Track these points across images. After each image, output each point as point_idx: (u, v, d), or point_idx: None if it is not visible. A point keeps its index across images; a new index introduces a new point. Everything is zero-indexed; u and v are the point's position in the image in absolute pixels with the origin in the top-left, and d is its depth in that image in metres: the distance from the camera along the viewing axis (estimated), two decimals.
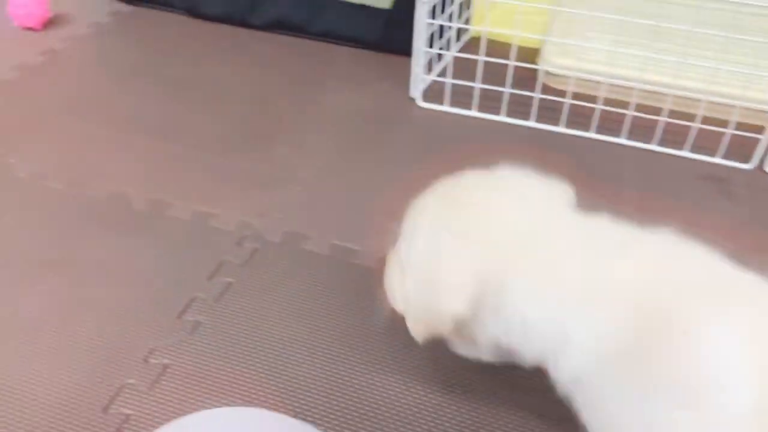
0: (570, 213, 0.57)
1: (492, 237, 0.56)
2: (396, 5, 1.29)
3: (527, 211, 0.57)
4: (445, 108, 1.20)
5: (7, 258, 0.87)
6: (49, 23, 1.40)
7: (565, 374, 0.53)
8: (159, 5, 1.49)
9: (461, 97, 1.19)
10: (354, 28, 1.34)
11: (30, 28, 1.38)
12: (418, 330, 0.61)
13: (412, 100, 1.22)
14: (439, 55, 1.25)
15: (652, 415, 0.46)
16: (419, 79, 1.20)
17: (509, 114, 1.17)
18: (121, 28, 1.43)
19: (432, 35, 1.19)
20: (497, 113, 1.17)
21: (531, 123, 1.16)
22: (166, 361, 0.75)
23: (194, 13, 1.45)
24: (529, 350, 0.56)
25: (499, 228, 0.56)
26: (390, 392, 0.72)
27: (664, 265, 0.51)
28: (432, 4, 1.13)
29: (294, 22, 1.38)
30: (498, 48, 1.15)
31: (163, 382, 0.73)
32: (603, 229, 0.56)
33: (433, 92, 1.22)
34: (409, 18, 1.23)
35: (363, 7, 1.31)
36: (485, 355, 0.61)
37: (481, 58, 1.13)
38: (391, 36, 1.32)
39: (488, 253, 0.55)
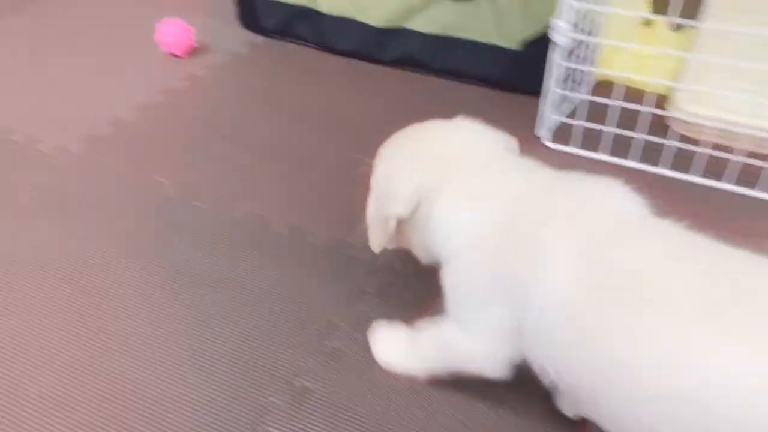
0: (498, 151, 0.74)
1: (432, 162, 0.72)
2: (526, 47, 1.30)
3: (465, 146, 0.74)
4: (573, 149, 1.20)
5: (158, 273, 0.94)
6: (192, 51, 1.50)
7: (447, 251, 0.71)
8: (291, 38, 1.57)
9: (589, 140, 1.19)
10: (481, 67, 1.37)
11: (175, 55, 1.48)
12: (374, 238, 0.76)
13: (539, 139, 1.23)
14: (566, 97, 1.25)
15: (501, 278, 0.65)
16: (548, 119, 1.21)
17: (640, 159, 1.15)
18: (256, 58, 1.51)
19: (562, 77, 1.20)
20: (626, 157, 1.16)
21: (662, 170, 1.14)
22: (308, 384, 0.78)
23: (324, 46, 1.52)
24: (441, 249, 0.71)
25: (440, 156, 0.73)
26: None
27: (538, 187, 0.68)
28: (565, 48, 1.13)
29: (421, 59, 1.42)
30: (628, 92, 1.14)
31: (307, 405, 0.76)
32: (516, 162, 0.73)
33: (561, 133, 1.22)
34: (538, 59, 1.24)
35: (491, 46, 1.34)
36: (419, 257, 0.77)
37: (614, 102, 1.12)
38: (519, 76, 1.34)
39: (427, 172, 0.72)
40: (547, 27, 1.25)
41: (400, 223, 0.73)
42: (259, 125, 1.27)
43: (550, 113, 1.20)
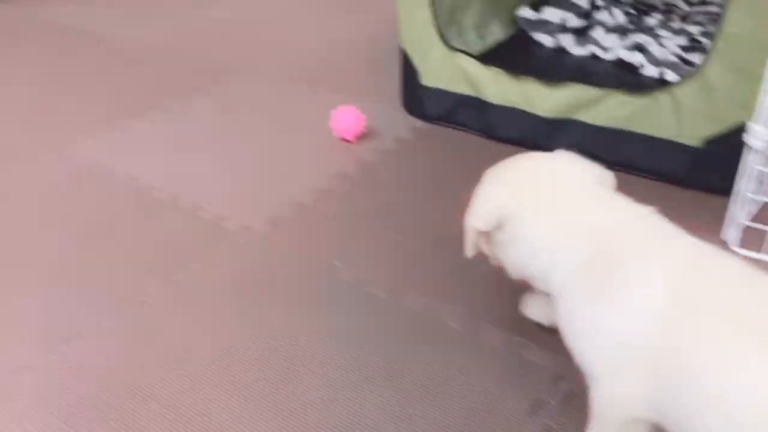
0: (587, 184, 0.80)
1: (521, 186, 0.81)
2: (707, 144, 1.25)
3: (558, 176, 0.81)
4: (765, 257, 1.12)
5: (337, 362, 0.96)
6: (361, 137, 1.57)
7: (553, 288, 0.77)
8: (455, 125, 1.61)
9: None
10: (657, 162, 1.32)
11: (346, 140, 1.56)
12: (466, 245, 0.86)
13: (724, 243, 1.16)
14: (758, 201, 1.18)
15: (592, 313, 0.71)
16: (736, 223, 1.14)
17: None
18: (421, 144, 1.56)
19: (755, 180, 1.13)
20: None
21: None
22: None
23: (489, 134, 1.54)
24: (532, 270, 0.79)
25: (530, 182, 0.81)
26: None
27: (625, 225, 0.74)
28: (762, 151, 1.07)
29: (592, 151, 1.40)
30: None
31: None
32: (602, 196, 0.79)
33: (749, 237, 1.15)
34: (720, 158, 1.19)
35: (669, 142, 1.30)
36: (510, 272, 0.85)
37: None
38: (699, 173, 1.28)
39: (514, 194, 0.80)
40: (732, 126, 1.20)
41: (492, 238, 0.84)
42: (429, 212, 1.30)
43: (739, 216, 1.13)
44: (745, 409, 0.58)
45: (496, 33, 1.85)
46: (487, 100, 1.52)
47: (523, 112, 1.47)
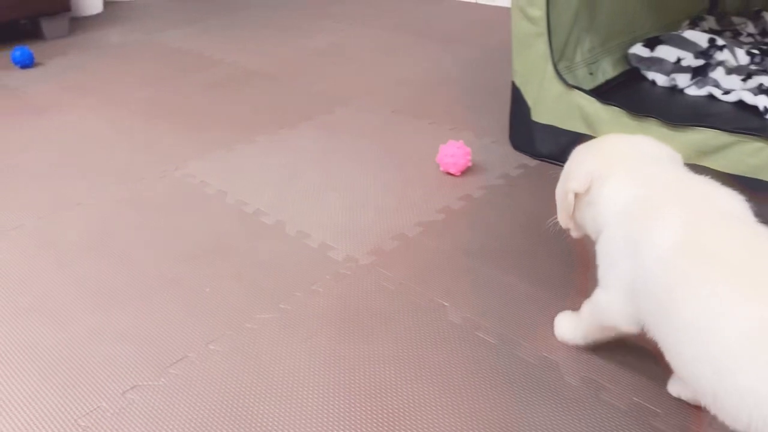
0: (662, 158, 0.93)
1: (606, 156, 0.94)
2: None
3: (636, 150, 0.94)
4: None
5: (443, 408, 0.91)
6: (467, 171, 1.54)
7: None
8: (563, 162, 1.55)
9: None
10: None
11: (451, 174, 1.53)
12: (560, 214, 0.98)
13: None
14: None
15: (620, 238, 0.86)
16: None
17: None
18: (530, 182, 1.50)
19: None
20: None
21: None
22: None
23: None
24: (602, 222, 0.91)
25: (613, 154, 0.94)
26: None
27: (677, 181, 0.88)
28: None
29: None
30: None
31: None
32: (672, 167, 0.92)
33: None
34: None
35: None
36: (580, 233, 0.99)
37: None
38: None
39: (600, 163, 0.92)
40: None
41: (578, 203, 0.94)
42: (539, 254, 1.24)
43: None
44: (715, 338, 0.71)
45: (607, 70, 1.78)
46: None
47: None
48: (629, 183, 0.89)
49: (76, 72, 2.38)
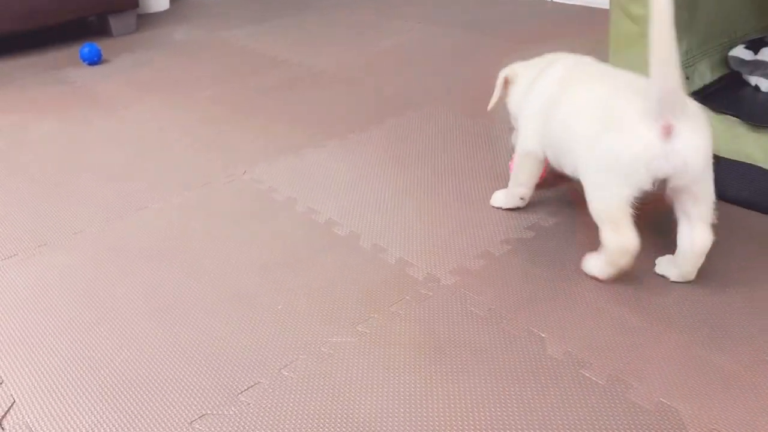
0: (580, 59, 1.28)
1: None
2: None
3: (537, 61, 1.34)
4: None
5: None
6: (551, 181, 1.41)
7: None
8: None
9: None
10: None
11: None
12: (492, 101, 1.37)
13: None
14: None
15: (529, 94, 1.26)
16: None
17: None
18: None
19: None
20: None
21: None
22: None
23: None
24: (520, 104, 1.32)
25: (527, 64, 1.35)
26: None
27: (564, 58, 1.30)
28: None
29: None
30: None
31: None
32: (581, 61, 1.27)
33: None
34: None
35: None
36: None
37: None
38: None
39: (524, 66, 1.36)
40: None
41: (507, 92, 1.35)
42: (648, 281, 1.11)
43: None
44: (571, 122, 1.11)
45: (705, 74, 1.63)
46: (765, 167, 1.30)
47: (763, 171, 1.24)
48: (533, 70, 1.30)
49: (143, 69, 2.34)
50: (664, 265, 1.12)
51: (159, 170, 1.60)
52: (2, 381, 0.98)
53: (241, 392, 0.93)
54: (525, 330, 1.02)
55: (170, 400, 0.93)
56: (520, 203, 1.33)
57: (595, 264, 1.12)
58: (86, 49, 2.37)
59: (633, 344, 0.98)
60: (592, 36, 2.27)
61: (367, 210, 1.38)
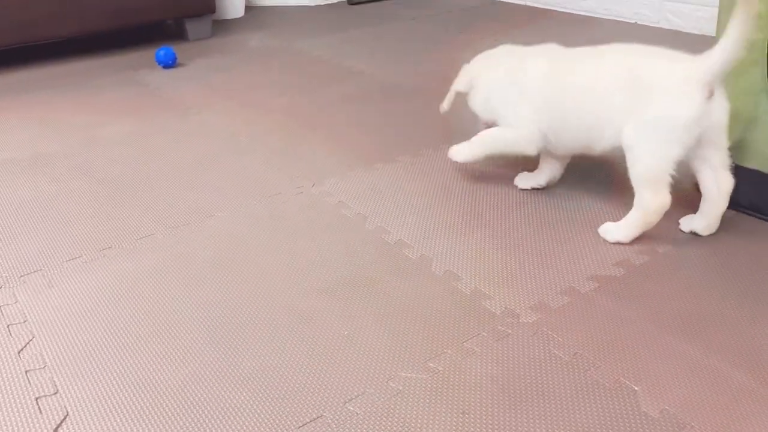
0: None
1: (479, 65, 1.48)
2: None
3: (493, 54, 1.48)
4: None
5: None
6: None
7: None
8: (755, 213, 1.28)
9: None
10: None
11: None
12: (445, 103, 1.53)
13: None
14: None
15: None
16: None
17: None
18: (728, 238, 1.25)
19: None
20: None
21: None
22: None
23: None
24: (491, 105, 1.44)
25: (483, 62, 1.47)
26: None
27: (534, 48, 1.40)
28: None
29: None
30: None
31: None
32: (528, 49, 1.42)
33: None
34: None
35: None
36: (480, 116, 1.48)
37: None
38: None
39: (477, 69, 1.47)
40: None
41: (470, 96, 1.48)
42: (751, 332, 0.99)
43: None
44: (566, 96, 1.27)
45: None
46: None
47: None
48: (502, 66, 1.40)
49: (217, 74, 2.34)
50: (688, 222, 1.26)
51: (228, 178, 1.56)
52: (57, 391, 0.94)
53: (301, 426, 0.87)
54: (614, 380, 0.92)
55: (223, 428, 0.87)
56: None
57: (618, 229, 1.24)
58: (162, 53, 2.39)
59: (737, 405, 0.86)
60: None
61: (440, 232, 1.30)
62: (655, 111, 1.15)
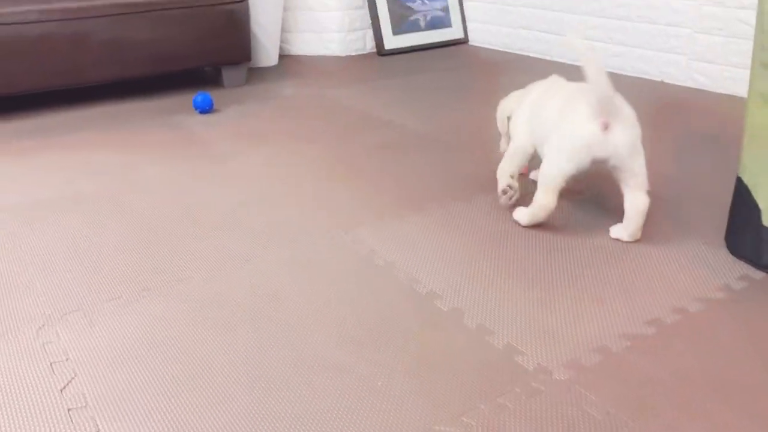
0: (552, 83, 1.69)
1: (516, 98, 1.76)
2: None
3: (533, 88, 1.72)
4: None
5: None
6: (676, 279, 1.31)
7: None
8: None
9: None
10: None
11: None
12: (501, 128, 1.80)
13: None
14: None
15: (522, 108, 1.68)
16: None
17: None
18: (757, 298, 1.25)
19: None
20: None
21: None
22: None
23: None
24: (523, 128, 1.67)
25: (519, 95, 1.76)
26: None
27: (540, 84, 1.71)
28: None
29: None
30: None
31: None
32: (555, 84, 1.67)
33: None
34: None
35: None
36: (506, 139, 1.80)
37: None
38: None
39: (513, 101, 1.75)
40: None
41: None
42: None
43: None
44: (549, 121, 1.51)
45: None
46: None
47: None
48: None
49: (251, 121, 2.41)
50: (616, 230, 1.51)
51: (262, 223, 1.60)
52: (98, 430, 0.96)
53: None
54: None
55: None
56: (510, 199, 1.64)
57: (522, 213, 1.57)
58: (200, 98, 2.47)
59: None
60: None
61: (472, 285, 1.32)
62: (560, 131, 1.45)
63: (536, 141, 1.58)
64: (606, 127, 1.39)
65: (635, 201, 1.44)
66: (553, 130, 1.47)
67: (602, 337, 1.15)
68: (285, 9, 3.47)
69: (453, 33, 3.71)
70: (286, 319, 1.22)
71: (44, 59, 2.41)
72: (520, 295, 1.28)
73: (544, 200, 1.49)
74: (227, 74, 2.87)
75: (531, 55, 3.38)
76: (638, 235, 1.48)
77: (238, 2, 2.75)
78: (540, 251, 1.45)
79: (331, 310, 1.25)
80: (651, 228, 1.52)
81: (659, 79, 2.84)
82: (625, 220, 1.47)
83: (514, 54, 3.42)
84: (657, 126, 2.25)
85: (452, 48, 3.65)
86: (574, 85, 1.54)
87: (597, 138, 1.39)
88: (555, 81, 1.65)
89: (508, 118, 1.72)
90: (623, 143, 1.39)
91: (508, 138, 1.73)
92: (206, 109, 2.48)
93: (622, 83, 2.80)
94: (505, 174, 1.63)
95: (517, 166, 1.63)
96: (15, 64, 2.37)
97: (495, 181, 1.70)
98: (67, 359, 1.11)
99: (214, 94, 2.76)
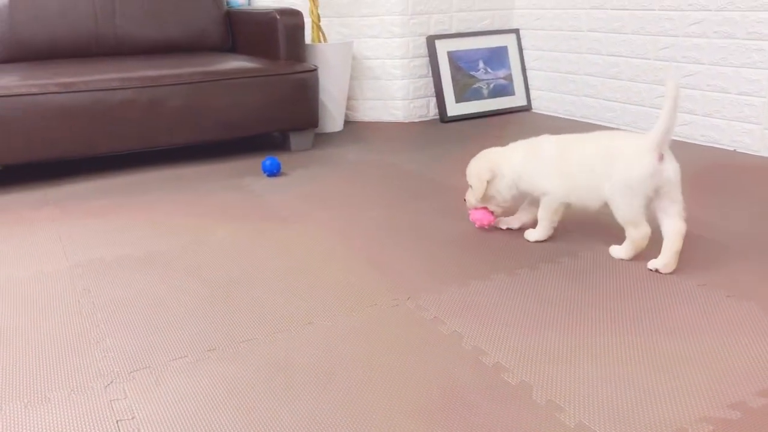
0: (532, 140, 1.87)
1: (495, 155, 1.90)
2: None
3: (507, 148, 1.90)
4: None
5: None
6: (748, 359, 1.23)
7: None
8: None
9: None
10: None
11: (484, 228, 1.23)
12: (472, 198, 1.91)
13: None
14: None
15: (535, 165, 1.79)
16: None
17: None
18: None
19: None
20: None
21: None
22: None
23: None
24: (512, 189, 1.86)
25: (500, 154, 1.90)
26: None
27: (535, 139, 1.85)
28: None
29: None
30: None
31: None
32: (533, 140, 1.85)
33: None
34: None
35: None
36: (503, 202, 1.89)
37: None
38: None
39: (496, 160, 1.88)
40: None
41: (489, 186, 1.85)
42: None
43: None
44: (574, 169, 1.69)
45: None
46: None
47: None
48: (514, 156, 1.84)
49: (316, 184, 2.46)
50: (653, 263, 1.63)
51: (326, 286, 1.60)
52: None
53: None
54: None
55: None
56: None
57: (621, 250, 1.70)
58: (268, 162, 2.54)
59: None
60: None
61: (540, 357, 1.27)
62: (619, 173, 1.59)
63: (577, 192, 1.71)
64: (661, 158, 1.56)
65: (677, 225, 1.58)
66: (602, 176, 1.62)
67: (681, 420, 1.08)
68: (351, 78, 3.59)
69: (516, 101, 3.73)
70: (348, 384, 1.20)
71: (123, 123, 2.55)
72: (593, 371, 1.23)
73: (638, 233, 1.63)
74: (295, 139, 2.96)
75: (594, 122, 3.36)
76: (674, 266, 1.61)
77: (309, 72, 2.86)
78: (611, 322, 1.39)
79: (393, 377, 1.22)
80: (726, 302, 1.45)
81: (732, 149, 2.76)
82: (665, 245, 1.60)
83: (576, 121, 3.41)
84: (732, 192, 2.17)
85: (515, 115, 3.66)
86: (590, 134, 1.71)
87: (656, 168, 1.56)
88: (547, 138, 1.79)
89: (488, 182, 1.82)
90: (674, 171, 1.57)
91: (489, 198, 1.86)
92: (274, 172, 2.55)
93: (691, 152, 2.74)
94: (548, 230, 1.85)
95: (555, 220, 1.82)
96: (97, 128, 2.51)
97: (559, 249, 1.67)
98: (132, 418, 1.12)
99: (281, 158, 2.84)
